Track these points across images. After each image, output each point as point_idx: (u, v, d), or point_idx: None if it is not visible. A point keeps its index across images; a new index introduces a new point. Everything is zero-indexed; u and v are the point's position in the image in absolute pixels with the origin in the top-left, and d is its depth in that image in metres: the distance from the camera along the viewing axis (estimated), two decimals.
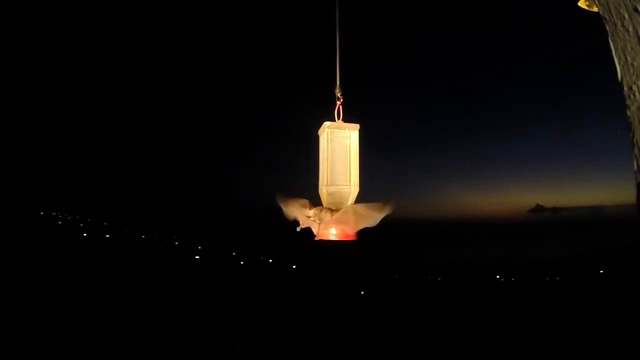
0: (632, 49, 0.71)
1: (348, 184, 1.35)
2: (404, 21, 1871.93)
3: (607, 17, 0.77)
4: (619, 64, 0.75)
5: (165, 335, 6.70)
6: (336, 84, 1.43)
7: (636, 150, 0.69)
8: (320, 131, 1.41)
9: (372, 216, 1.30)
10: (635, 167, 0.69)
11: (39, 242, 22.21)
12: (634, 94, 0.70)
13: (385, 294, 18.00)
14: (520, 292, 20.72)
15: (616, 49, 0.76)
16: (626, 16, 0.71)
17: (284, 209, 1.37)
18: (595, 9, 0.84)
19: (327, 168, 1.35)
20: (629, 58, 0.72)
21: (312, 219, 1.29)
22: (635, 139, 0.69)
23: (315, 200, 1.36)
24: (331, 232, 1.31)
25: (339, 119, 1.41)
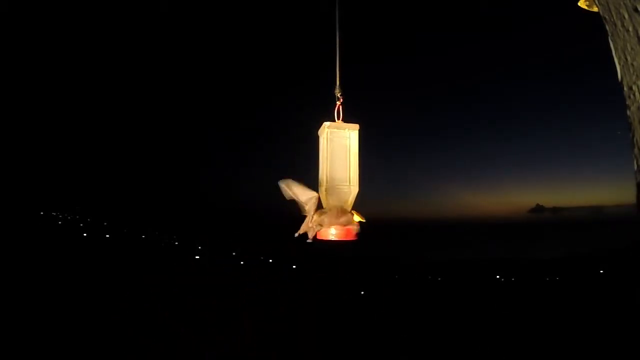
0: (632, 49, 0.71)
1: (348, 183, 1.36)
2: (404, 21, 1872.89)
3: (607, 17, 0.77)
4: (619, 64, 0.75)
5: (165, 335, 6.70)
6: (336, 84, 1.43)
7: (636, 150, 0.69)
8: (320, 131, 1.41)
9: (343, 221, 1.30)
10: (635, 167, 0.69)
11: (39, 242, 22.21)
12: (634, 94, 0.70)
13: (385, 294, 18.00)
14: (520, 292, 20.72)
15: (616, 49, 0.76)
16: (626, 16, 0.71)
17: (287, 193, 1.34)
18: (595, 9, 0.84)
19: (327, 168, 1.35)
20: (629, 58, 0.72)
21: (312, 224, 1.30)
22: (635, 139, 0.69)
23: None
24: (330, 232, 1.31)
25: (338, 119, 1.41)
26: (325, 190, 1.35)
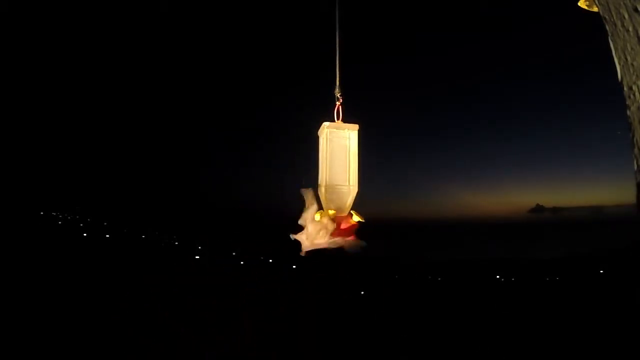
0: (632, 49, 0.71)
1: (347, 184, 1.36)
2: (404, 21, 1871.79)
3: (607, 17, 0.77)
4: (619, 64, 0.75)
5: (165, 335, 6.70)
6: (336, 85, 1.43)
7: (636, 150, 0.69)
8: (319, 131, 1.41)
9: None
10: (635, 167, 0.69)
11: (39, 242, 22.21)
12: (634, 94, 0.70)
13: (385, 294, 18.01)
14: (520, 292, 20.72)
15: (616, 49, 0.76)
16: (626, 16, 0.71)
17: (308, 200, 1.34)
18: (595, 9, 0.84)
19: (327, 168, 1.35)
20: (629, 58, 0.72)
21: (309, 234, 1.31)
22: (635, 139, 0.69)
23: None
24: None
25: (338, 119, 1.41)
26: (325, 191, 1.35)
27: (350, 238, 1.33)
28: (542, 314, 11.64)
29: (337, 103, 1.42)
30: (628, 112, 0.72)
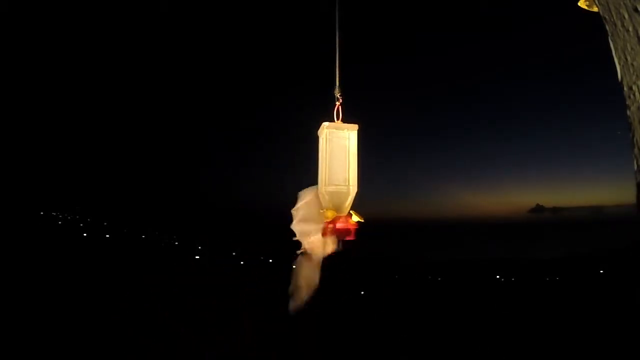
0: (632, 49, 0.71)
1: (347, 184, 1.35)
2: (404, 21, 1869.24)
3: (607, 17, 0.77)
4: (619, 64, 0.75)
5: (165, 335, 6.70)
6: (335, 85, 1.43)
7: (636, 150, 0.69)
8: (319, 131, 1.41)
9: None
10: (635, 167, 0.69)
11: (39, 242, 22.21)
12: (634, 94, 0.70)
13: (385, 294, 18.01)
14: (520, 292, 20.72)
15: (616, 49, 0.76)
16: (626, 16, 0.71)
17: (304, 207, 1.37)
18: (595, 9, 0.84)
19: (326, 168, 1.35)
20: (629, 58, 0.72)
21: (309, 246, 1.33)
22: (635, 139, 0.69)
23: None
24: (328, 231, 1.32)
25: (338, 119, 1.41)
26: (324, 191, 1.35)
27: (350, 238, 1.34)
28: (542, 314, 11.64)
29: (337, 103, 1.42)
30: (628, 112, 0.72)
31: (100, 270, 15.45)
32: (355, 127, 1.39)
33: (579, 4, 0.99)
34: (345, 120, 1.42)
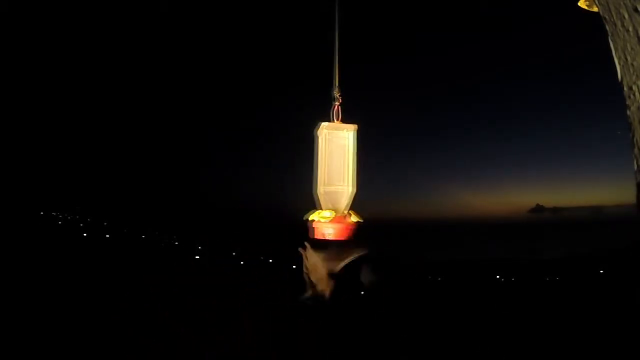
0: (632, 49, 0.71)
1: (344, 184, 1.35)
2: (404, 21, 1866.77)
3: (607, 17, 0.77)
4: (619, 64, 0.75)
5: (165, 335, 6.70)
6: (334, 85, 1.43)
7: (636, 150, 0.69)
8: (317, 131, 1.41)
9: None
10: (635, 167, 0.69)
11: (39, 242, 22.21)
12: (634, 94, 0.70)
13: (385, 294, 17.97)
14: (520, 292, 20.71)
15: (616, 49, 0.76)
16: (626, 16, 0.71)
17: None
18: (595, 9, 0.84)
19: (324, 168, 1.35)
20: (629, 58, 0.72)
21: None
22: (635, 139, 0.69)
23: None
24: (326, 232, 1.31)
25: (336, 119, 1.41)
26: (322, 191, 1.35)
27: (347, 238, 1.34)
28: (542, 314, 11.64)
29: (336, 103, 1.41)
30: (628, 112, 0.72)
31: (100, 270, 15.45)
32: (354, 127, 1.39)
33: (579, 4, 0.98)
34: (346, 120, 1.41)
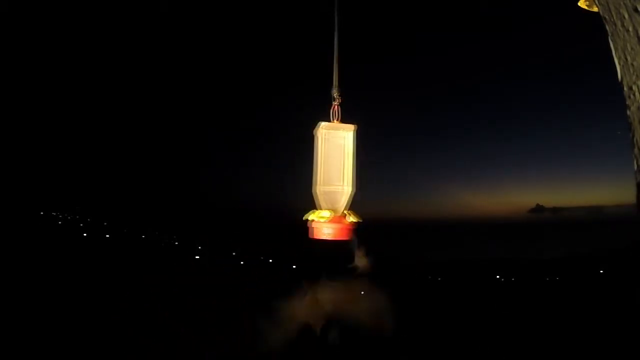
0: (632, 49, 0.71)
1: (342, 184, 1.35)
2: (404, 21, 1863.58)
3: (607, 17, 0.77)
4: (619, 64, 0.75)
5: (165, 335, 6.70)
6: (333, 85, 1.43)
7: (636, 150, 0.69)
8: (315, 131, 1.41)
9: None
10: (635, 167, 0.69)
11: (39, 242, 22.21)
12: (634, 94, 0.70)
13: (385, 294, 17.98)
14: (520, 292, 20.72)
15: (616, 49, 0.76)
16: (626, 16, 0.71)
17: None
18: (595, 9, 0.84)
19: (322, 168, 1.35)
20: (629, 58, 0.72)
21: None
22: (635, 139, 0.69)
23: None
24: (324, 231, 1.31)
25: (335, 119, 1.41)
26: (320, 190, 1.34)
27: (345, 238, 1.34)
28: (542, 314, 11.64)
29: (334, 103, 1.41)
30: (628, 112, 0.72)
31: (100, 270, 15.45)
32: (352, 127, 1.39)
33: (579, 4, 0.98)
34: (345, 120, 1.41)
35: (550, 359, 7.20)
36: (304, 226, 1.38)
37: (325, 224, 1.32)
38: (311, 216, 1.35)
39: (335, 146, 1.37)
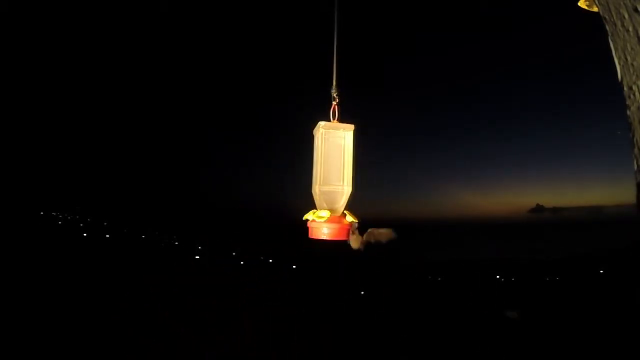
0: (632, 49, 0.71)
1: (341, 184, 1.35)
2: (404, 21, 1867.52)
3: (607, 17, 0.77)
4: (619, 64, 0.75)
5: (165, 335, 6.70)
6: (332, 84, 1.43)
7: (636, 150, 0.69)
8: (314, 131, 1.40)
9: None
10: (635, 167, 0.69)
11: (39, 242, 22.21)
12: (634, 94, 0.70)
13: (385, 294, 18.01)
14: (520, 292, 20.72)
15: (616, 49, 0.76)
16: (626, 16, 0.71)
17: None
18: (595, 9, 0.84)
19: (321, 168, 1.35)
20: (629, 58, 0.72)
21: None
22: (635, 139, 0.69)
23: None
24: (323, 231, 1.31)
25: (334, 119, 1.40)
26: (319, 190, 1.34)
27: (344, 238, 1.33)
28: (542, 314, 11.64)
29: (334, 103, 1.41)
30: (628, 112, 0.72)
31: (100, 270, 15.45)
32: (351, 127, 1.38)
33: (579, 4, 0.98)
34: (345, 120, 1.41)
35: (550, 359, 7.20)
36: (304, 226, 1.38)
37: (324, 224, 1.32)
38: (309, 216, 1.35)
39: (335, 146, 1.36)
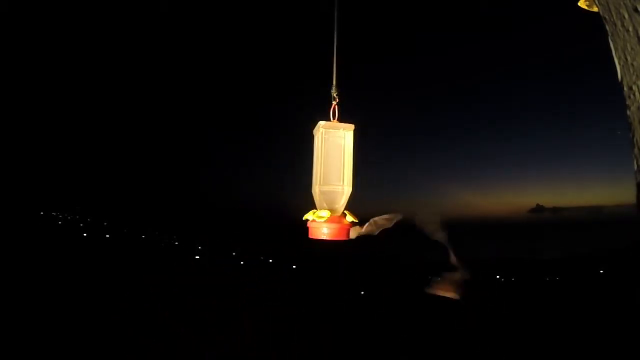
0: (632, 49, 0.71)
1: (341, 183, 1.34)
2: (404, 21, 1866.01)
3: (607, 17, 0.77)
4: (619, 64, 0.75)
5: (165, 335, 6.70)
6: (332, 84, 1.42)
7: (636, 150, 0.68)
8: (314, 131, 1.40)
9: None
10: (635, 167, 0.69)
11: (39, 242, 22.21)
12: (634, 94, 0.70)
13: (385, 294, 18.01)
14: (520, 292, 20.71)
15: (616, 49, 0.75)
16: (626, 16, 0.70)
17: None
18: (595, 9, 0.84)
19: (321, 168, 1.34)
20: (629, 58, 0.72)
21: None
22: (635, 139, 0.69)
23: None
24: (322, 231, 1.30)
25: (334, 119, 1.40)
26: (319, 190, 1.34)
27: (344, 238, 1.33)
28: (542, 314, 11.63)
29: (333, 103, 1.41)
30: (628, 112, 0.72)
31: (100, 270, 15.44)
32: (351, 127, 1.37)
33: (579, 4, 0.98)
34: (345, 120, 1.40)
35: (550, 359, 7.20)
36: (304, 226, 1.38)
37: (324, 224, 1.31)
38: (308, 216, 1.34)
39: (335, 146, 1.36)
